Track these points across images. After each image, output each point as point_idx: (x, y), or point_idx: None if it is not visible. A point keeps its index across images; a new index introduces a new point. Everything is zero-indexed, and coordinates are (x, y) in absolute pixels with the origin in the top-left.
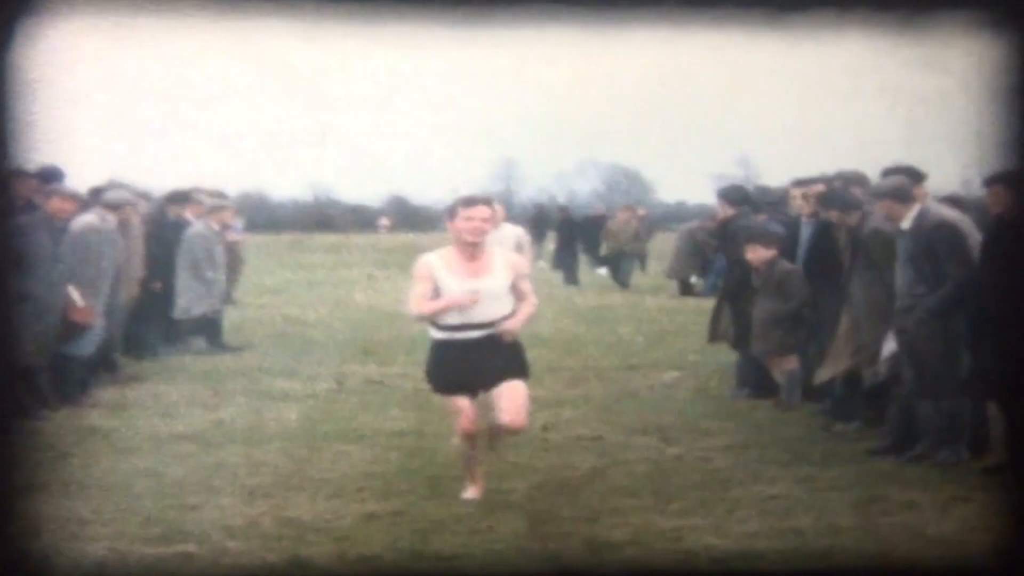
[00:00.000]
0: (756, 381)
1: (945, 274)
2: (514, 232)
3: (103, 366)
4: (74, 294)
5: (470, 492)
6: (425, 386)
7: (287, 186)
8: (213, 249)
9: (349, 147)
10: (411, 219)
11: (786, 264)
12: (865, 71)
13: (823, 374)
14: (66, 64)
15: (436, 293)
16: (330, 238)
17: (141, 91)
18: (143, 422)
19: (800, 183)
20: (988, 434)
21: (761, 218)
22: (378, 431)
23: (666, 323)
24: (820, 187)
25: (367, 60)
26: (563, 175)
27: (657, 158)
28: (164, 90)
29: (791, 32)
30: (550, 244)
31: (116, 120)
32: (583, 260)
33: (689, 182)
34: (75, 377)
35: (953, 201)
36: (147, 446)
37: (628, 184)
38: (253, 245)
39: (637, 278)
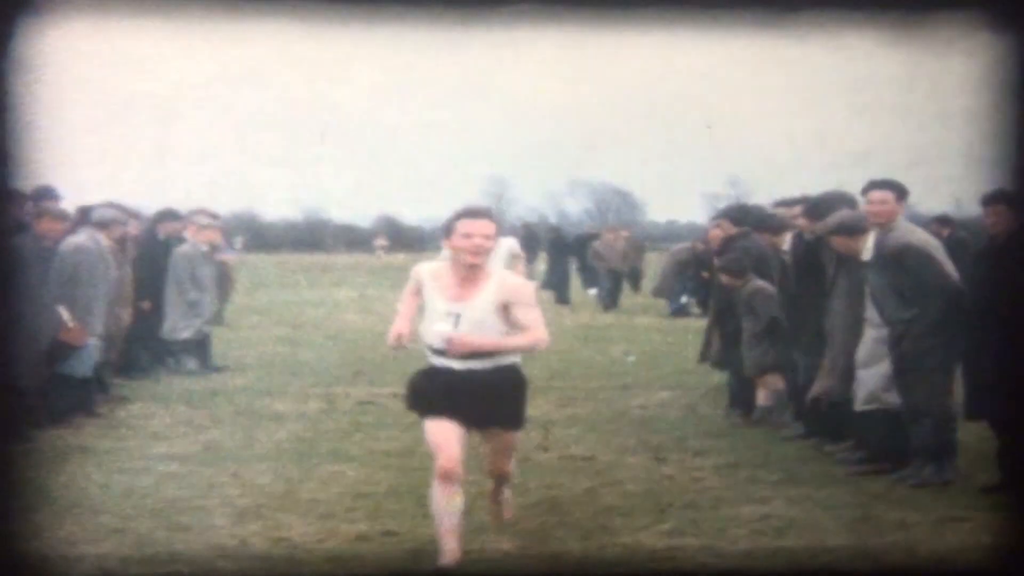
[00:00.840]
0: (748, 402)
1: (928, 293)
2: (506, 244)
3: (96, 386)
4: (64, 314)
5: (447, 557)
6: None
7: (277, 206)
8: (198, 270)
9: (338, 167)
10: (402, 239)
11: (757, 282)
12: (865, 71)
13: (812, 392)
14: (66, 63)
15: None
16: (320, 258)
17: (132, 98)
18: (134, 442)
19: (782, 203)
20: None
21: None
22: (369, 451)
23: (657, 343)
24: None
25: (357, 80)
26: (553, 194)
27: (647, 177)
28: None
29: (789, 34)
30: (541, 264)
31: (114, 123)
32: (575, 279)
33: (680, 201)
34: (68, 397)
35: (943, 221)
36: (138, 466)
37: (619, 203)
38: (243, 265)
39: (629, 298)
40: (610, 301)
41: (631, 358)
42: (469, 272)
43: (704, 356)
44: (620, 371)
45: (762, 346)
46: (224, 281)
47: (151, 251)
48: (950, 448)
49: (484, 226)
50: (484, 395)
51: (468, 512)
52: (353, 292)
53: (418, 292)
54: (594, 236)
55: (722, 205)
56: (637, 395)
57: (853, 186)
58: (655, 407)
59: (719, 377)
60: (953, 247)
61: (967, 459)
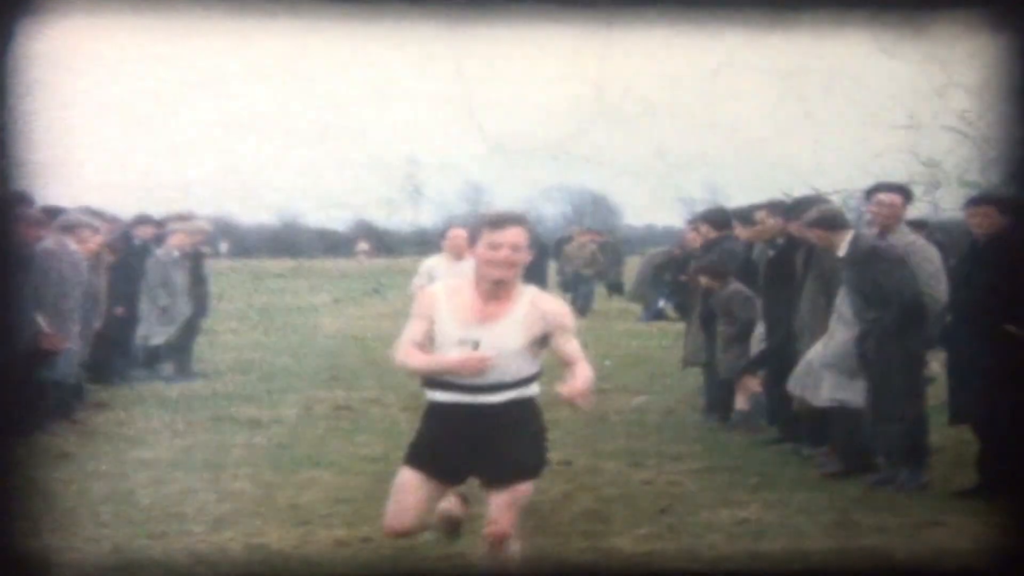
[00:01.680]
0: (725, 406)
1: (886, 297)
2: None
3: (72, 392)
4: (41, 321)
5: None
6: (393, 412)
7: (253, 211)
8: (170, 275)
9: (313, 172)
10: (379, 244)
11: (735, 285)
12: (865, 71)
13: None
14: (65, 64)
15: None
16: (296, 263)
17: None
18: (110, 448)
19: (758, 208)
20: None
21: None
22: (347, 457)
23: (634, 347)
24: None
25: (332, 86)
26: (530, 199)
27: (624, 182)
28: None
29: (788, 35)
30: None
31: (115, 124)
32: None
33: (657, 206)
34: (45, 403)
35: (917, 225)
36: (115, 473)
37: (595, 208)
38: (219, 270)
39: (605, 302)
40: (581, 305)
41: (608, 362)
42: (494, 289)
43: (687, 361)
44: (597, 376)
45: (737, 349)
46: (200, 286)
47: (126, 256)
48: (922, 452)
49: (514, 235)
50: (496, 437)
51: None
52: (330, 297)
53: (428, 317)
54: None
55: (699, 210)
56: (614, 400)
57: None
58: (632, 411)
59: (696, 381)
60: None
61: (944, 463)
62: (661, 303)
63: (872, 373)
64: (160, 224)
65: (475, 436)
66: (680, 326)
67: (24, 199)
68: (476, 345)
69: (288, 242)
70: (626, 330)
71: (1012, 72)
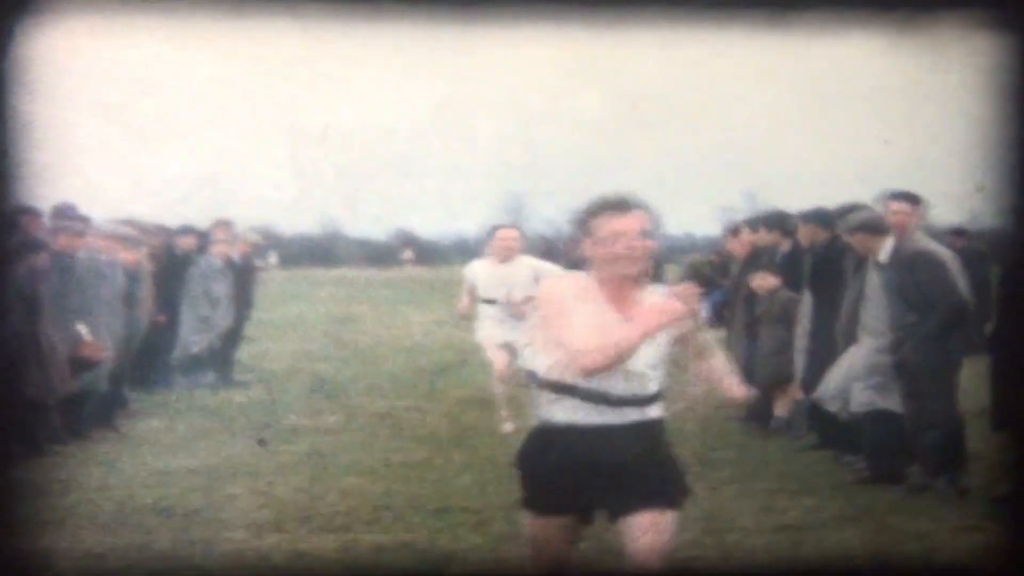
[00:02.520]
0: (764, 413)
1: (931, 302)
2: (531, 267)
3: (115, 401)
4: (82, 330)
5: None
6: (434, 419)
7: (294, 220)
8: (211, 284)
9: (353, 180)
10: (421, 253)
11: (787, 292)
12: (865, 71)
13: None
14: (66, 64)
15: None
16: (337, 272)
17: (132, 98)
18: (153, 456)
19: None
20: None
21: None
22: (387, 464)
23: (675, 354)
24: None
25: (365, 91)
26: (571, 208)
27: (663, 190)
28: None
29: (790, 36)
30: None
31: (115, 124)
32: None
33: (696, 214)
34: (88, 412)
35: (958, 232)
36: (157, 480)
37: None
38: (260, 280)
39: None
40: None
41: None
42: (623, 287)
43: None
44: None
45: (785, 355)
46: (244, 296)
47: (169, 266)
48: (960, 457)
49: (637, 221)
50: (639, 461)
51: (484, 524)
52: (370, 306)
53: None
54: None
55: (738, 217)
56: None
57: (863, 196)
58: (670, 419)
59: None
60: (971, 258)
61: (983, 469)
62: (703, 312)
63: (909, 379)
64: (203, 234)
65: (609, 463)
66: (718, 333)
67: (67, 211)
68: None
69: (329, 251)
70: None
71: (1012, 72)
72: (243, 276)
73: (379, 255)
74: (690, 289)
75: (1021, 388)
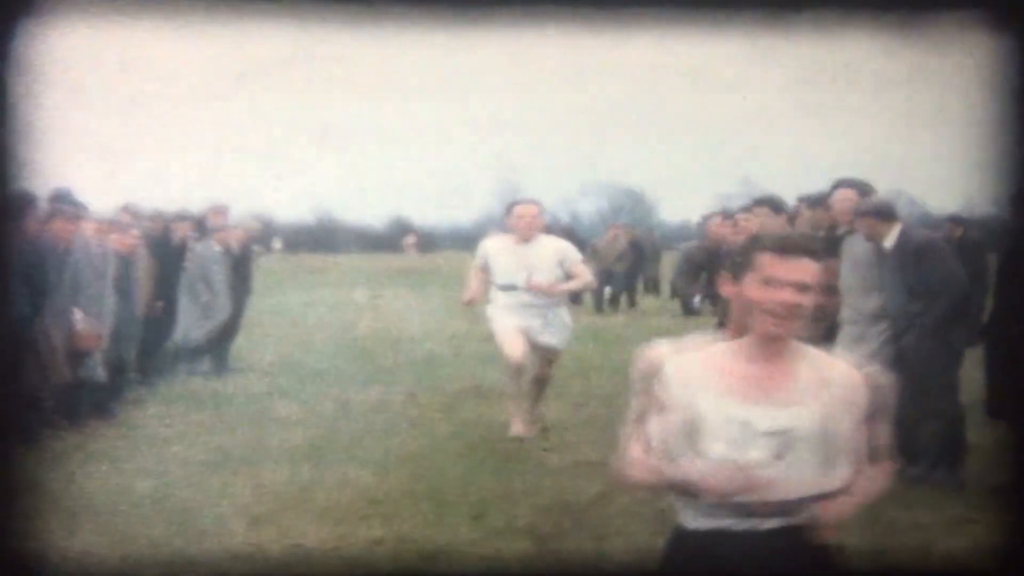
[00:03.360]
0: None
1: (937, 291)
2: (555, 247)
3: (110, 389)
4: (78, 317)
5: None
6: (430, 410)
7: (289, 206)
8: (209, 271)
9: (349, 168)
10: (424, 239)
11: None
12: (865, 71)
13: None
14: (66, 64)
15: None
16: (332, 259)
17: (133, 98)
18: (148, 446)
19: (760, 202)
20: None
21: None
22: (383, 455)
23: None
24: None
25: (367, 81)
26: (566, 196)
27: (660, 177)
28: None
29: (792, 34)
30: None
31: (115, 124)
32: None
33: (693, 201)
34: (83, 400)
35: (956, 221)
36: (152, 470)
37: (631, 204)
38: (256, 267)
39: (643, 299)
40: (605, 301)
41: None
42: (770, 348)
43: None
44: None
45: None
46: (243, 283)
47: (165, 252)
48: (959, 449)
49: (804, 268)
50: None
51: (480, 517)
52: (366, 294)
53: (682, 400)
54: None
55: (735, 204)
56: None
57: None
58: None
59: None
60: (968, 247)
61: (981, 460)
62: (697, 299)
63: (910, 369)
64: (200, 220)
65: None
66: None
67: (64, 196)
68: (782, 440)
69: (325, 239)
70: (664, 326)
71: (1012, 72)
72: (241, 263)
73: (375, 242)
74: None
75: (1016, 376)
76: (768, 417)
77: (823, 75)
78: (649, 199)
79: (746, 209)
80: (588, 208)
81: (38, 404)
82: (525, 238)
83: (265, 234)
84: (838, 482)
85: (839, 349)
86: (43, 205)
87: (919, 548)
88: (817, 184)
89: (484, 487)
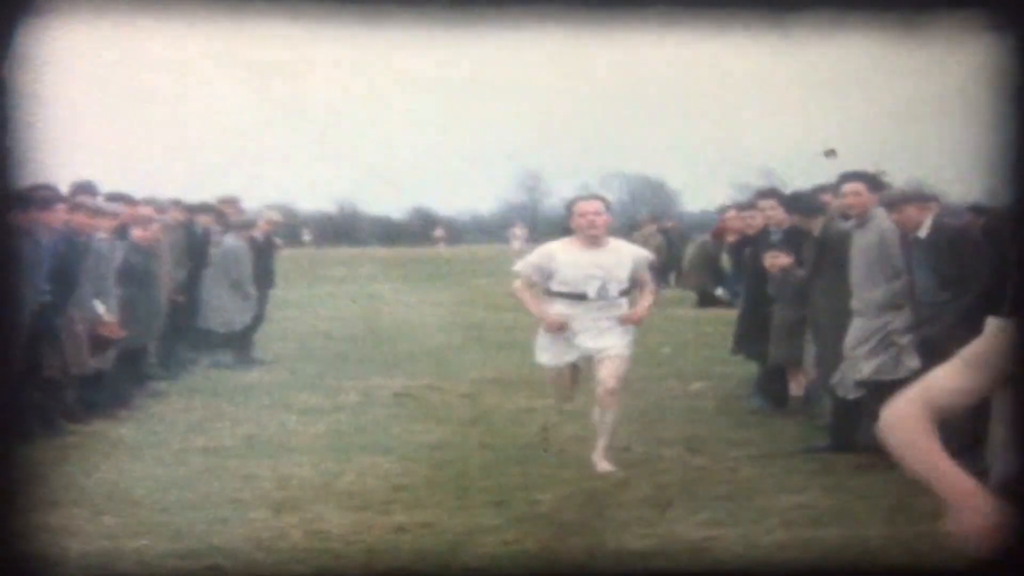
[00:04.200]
0: (774, 392)
1: (969, 279)
2: (632, 256)
3: (133, 380)
4: (100, 308)
5: None
6: (452, 398)
7: (312, 199)
8: (239, 264)
9: (370, 159)
10: (450, 232)
11: (801, 271)
12: (865, 71)
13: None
14: (66, 64)
15: None
16: (355, 251)
17: (134, 97)
18: (171, 436)
19: (764, 195)
20: None
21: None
22: (406, 443)
23: (690, 333)
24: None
25: (386, 72)
26: (587, 187)
27: (679, 167)
28: (166, 94)
29: (791, 34)
30: None
31: (117, 125)
32: None
33: (712, 192)
34: (106, 391)
35: (978, 211)
36: (175, 460)
37: (652, 194)
38: (279, 259)
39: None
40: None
41: (666, 349)
42: None
43: (737, 347)
44: (655, 362)
45: (799, 335)
46: (266, 275)
47: (188, 244)
48: (982, 436)
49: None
50: None
51: (502, 504)
52: (389, 284)
53: None
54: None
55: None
56: (672, 386)
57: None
58: (690, 398)
59: (752, 367)
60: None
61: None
62: (720, 290)
63: (936, 357)
64: (221, 213)
65: None
66: (735, 312)
67: (87, 188)
68: None
69: (347, 230)
70: (683, 316)
71: (1012, 72)
72: (264, 255)
73: (397, 234)
74: None
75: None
76: None
77: (828, 72)
78: (670, 189)
79: (750, 205)
80: (608, 198)
81: (59, 393)
82: (593, 240)
83: (292, 226)
84: None
85: (849, 339)
86: (64, 197)
87: (941, 536)
88: (828, 175)
89: (506, 474)
